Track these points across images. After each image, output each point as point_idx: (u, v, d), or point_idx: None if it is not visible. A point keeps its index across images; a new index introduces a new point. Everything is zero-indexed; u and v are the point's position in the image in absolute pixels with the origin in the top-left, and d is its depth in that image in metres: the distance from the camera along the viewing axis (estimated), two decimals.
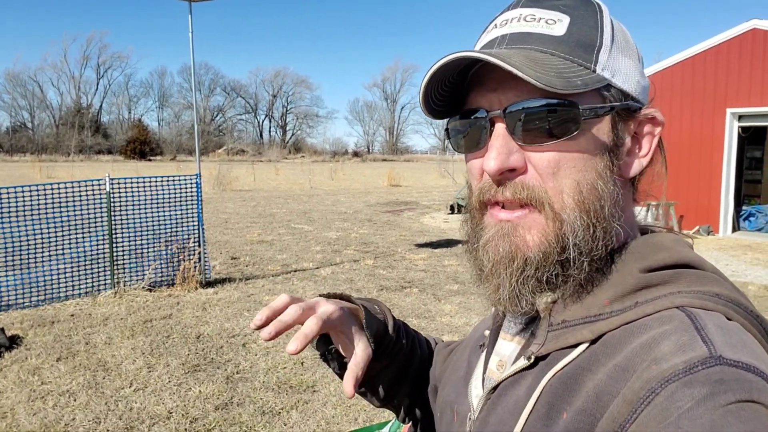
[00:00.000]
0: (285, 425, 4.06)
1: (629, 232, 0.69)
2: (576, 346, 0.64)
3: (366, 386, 0.95)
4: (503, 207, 0.66)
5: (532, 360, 0.66)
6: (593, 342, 0.63)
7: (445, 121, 0.73)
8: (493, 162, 0.63)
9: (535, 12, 0.66)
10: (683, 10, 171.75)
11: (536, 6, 0.67)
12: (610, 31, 0.66)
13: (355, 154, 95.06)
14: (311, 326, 0.74)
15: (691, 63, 12.73)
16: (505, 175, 0.65)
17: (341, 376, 0.91)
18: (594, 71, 0.64)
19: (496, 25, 0.69)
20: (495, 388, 0.71)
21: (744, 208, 13.64)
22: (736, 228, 13.09)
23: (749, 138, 13.59)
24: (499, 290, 0.66)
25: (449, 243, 11.67)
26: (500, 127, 0.65)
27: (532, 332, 0.70)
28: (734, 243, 11.81)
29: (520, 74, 0.58)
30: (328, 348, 0.89)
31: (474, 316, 6.57)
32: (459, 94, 0.70)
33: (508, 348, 0.74)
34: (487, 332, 0.82)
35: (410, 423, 1.00)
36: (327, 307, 0.80)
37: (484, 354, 0.80)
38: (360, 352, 0.82)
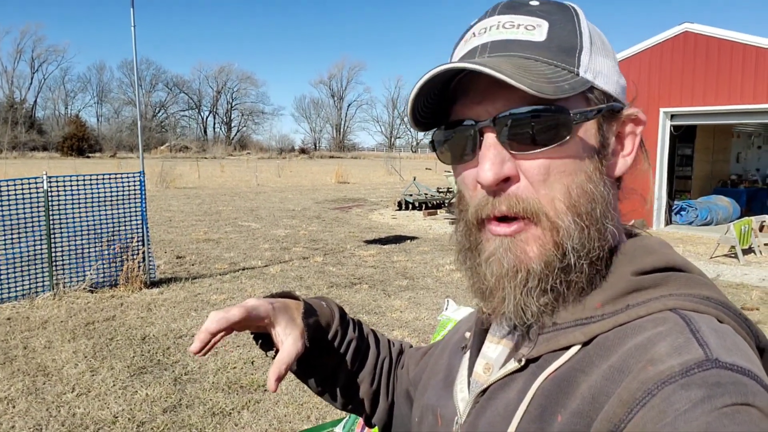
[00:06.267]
0: (236, 426, 4.03)
1: (619, 233, 0.69)
2: (567, 348, 0.64)
3: (323, 385, 0.95)
4: (499, 220, 0.65)
5: (523, 362, 0.66)
6: (585, 344, 0.63)
7: (430, 133, 0.71)
8: (488, 173, 0.62)
9: (513, 18, 0.66)
10: (620, 12, 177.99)
11: (513, 13, 0.66)
12: (588, 34, 0.66)
13: (302, 151, 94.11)
14: (232, 315, 0.80)
15: (627, 64, 13.24)
16: (500, 186, 0.64)
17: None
18: (578, 74, 0.64)
19: (474, 33, 0.68)
20: (484, 391, 0.70)
21: (676, 202, 14.32)
22: (668, 222, 13.73)
23: (680, 136, 14.27)
24: (504, 303, 0.65)
25: (398, 239, 11.77)
26: (490, 137, 0.64)
27: (521, 334, 0.69)
28: (667, 236, 12.37)
29: (513, 82, 0.57)
30: (267, 353, 0.89)
31: (423, 311, 6.67)
32: (442, 105, 0.69)
33: (495, 351, 0.74)
34: (467, 334, 0.82)
35: (376, 426, 1.00)
36: (251, 302, 0.82)
37: (467, 356, 0.78)
38: (288, 347, 0.81)
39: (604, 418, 0.55)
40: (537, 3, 0.67)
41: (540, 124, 0.62)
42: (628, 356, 0.57)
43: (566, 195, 0.63)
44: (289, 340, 0.82)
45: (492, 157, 0.63)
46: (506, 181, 0.64)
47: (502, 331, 0.73)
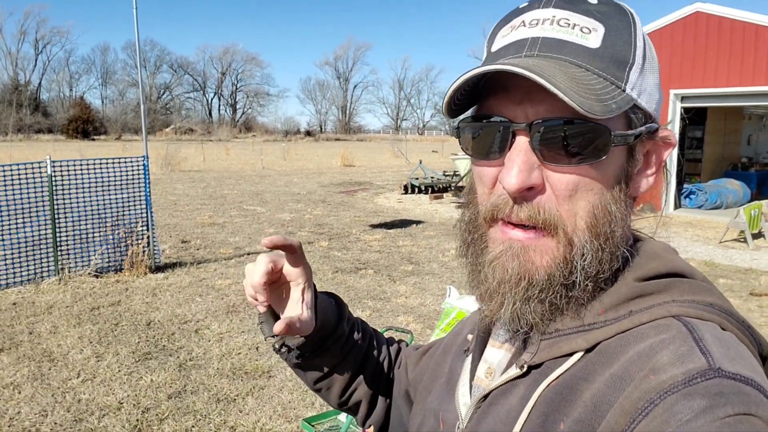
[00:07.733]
0: (240, 412, 4.02)
1: (627, 240, 0.68)
2: (570, 355, 0.63)
3: (323, 382, 0.95)
4: (514, 224, 0.64)
5: (525, 369, 0.65)
6: (588, 351, 0.62)
7: (458, 119, 0.68)
8: (514, 179, 0.60)
9: (569, 16, 0.63)
10: None
11: (570, 9, 0.63)
12: (642, 47, 0.64)
13: (308, 133, 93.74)
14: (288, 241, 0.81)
15: None
16: (523, 194, 0.61)
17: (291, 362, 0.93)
18: (624, 90, 0.61)
19: (524, 22, 0.65)
20: (485, 396, 0.69)
21: (685, 186, 14.18)
22: (678, 205, 13.61)
23: (691, 118, 14.08)
24: (501, 308, 0.64)
25: (403, 223, 11.72)
26: (522, 141, 0.61)
27: (523, 340, 0.69)
28: (676, 220, 12.27)
29: (567, 99, 0.55)
30: (266, 338, 0.88)
31: (429, 297, 6.63)
32: (477, 93, 0.66)
33: (497, 355, 0.73)
34: (470, 336, 0.80)
35: (371, 426, 0.99)
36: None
37: (469, 360, 0.77)
38: (306, 313, 0.82)
39: (606, 427, 0.54)
40: (595, 2, 0.64)
41: (578, 139, 0.60)
42: (630, 364, 0.57)
43: (589, 214, 0.62)
44: (308, 312, 0.83)
45: (520, 163, 0.61)
46: (530, 189, 0.61)
47: (504, 336, 0.72)
